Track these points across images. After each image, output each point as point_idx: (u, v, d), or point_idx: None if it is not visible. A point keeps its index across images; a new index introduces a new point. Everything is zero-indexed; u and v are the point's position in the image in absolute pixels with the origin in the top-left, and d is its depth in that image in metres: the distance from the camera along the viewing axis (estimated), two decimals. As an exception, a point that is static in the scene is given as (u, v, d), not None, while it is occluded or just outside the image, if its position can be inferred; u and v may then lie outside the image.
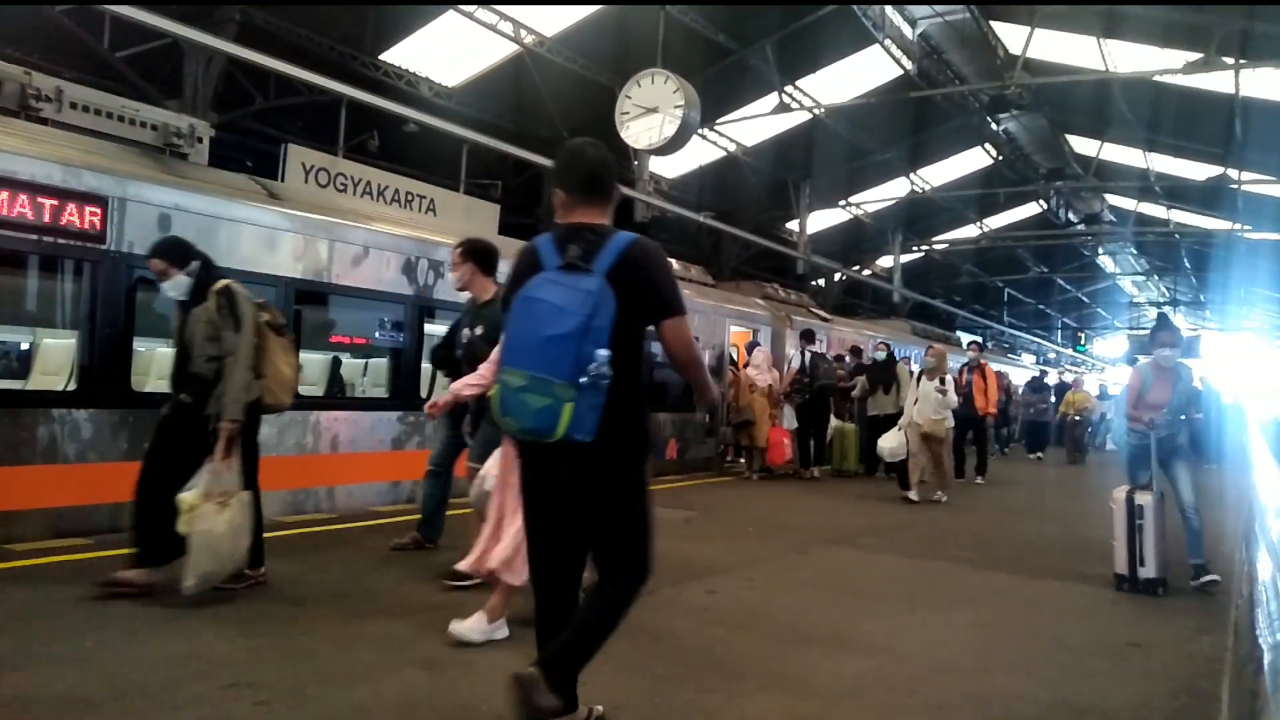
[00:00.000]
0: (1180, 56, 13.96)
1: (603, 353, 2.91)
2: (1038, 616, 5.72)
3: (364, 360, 9.90)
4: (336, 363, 9.19)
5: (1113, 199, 27.36)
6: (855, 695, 4.05)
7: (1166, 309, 39.61)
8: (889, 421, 12.72)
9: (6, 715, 3.34)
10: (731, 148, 19.99)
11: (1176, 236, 27.71)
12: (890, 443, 11.22)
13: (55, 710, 3.38)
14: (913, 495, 10.94)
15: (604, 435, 2.95)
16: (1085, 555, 7.45)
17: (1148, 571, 6.33)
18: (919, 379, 11.52)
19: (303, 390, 8.31)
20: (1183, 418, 6.76)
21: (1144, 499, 6.41)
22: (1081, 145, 22.32)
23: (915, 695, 4.09)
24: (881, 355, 13.72)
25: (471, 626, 4.45)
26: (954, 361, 21.00)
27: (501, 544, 4.35)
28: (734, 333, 14.86)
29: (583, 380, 2.89)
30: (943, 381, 11.23)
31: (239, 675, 3.82)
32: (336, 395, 9.14)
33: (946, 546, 8.01)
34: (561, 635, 3.12)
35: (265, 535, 5.41)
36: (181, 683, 3.70)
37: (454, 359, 6.11)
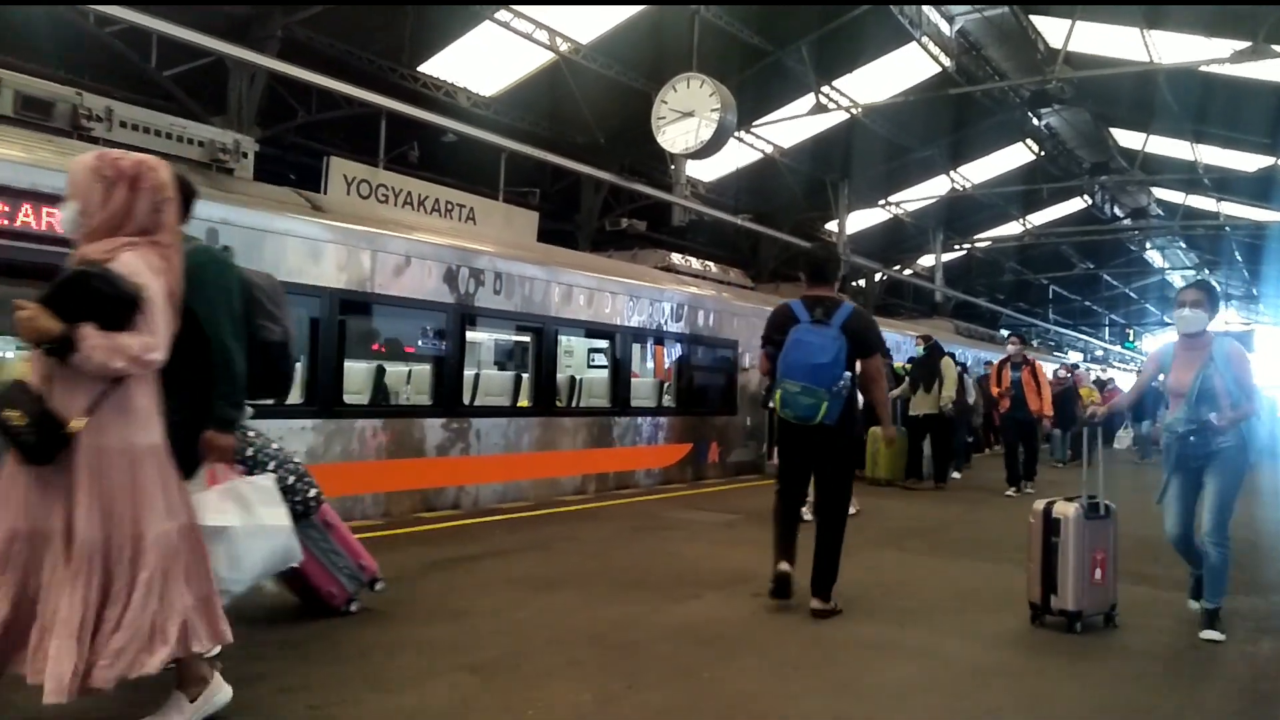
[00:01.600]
0: (1227, 45, 13.67)
1: (847, 374, 5.16)
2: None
3: (407, 368, 10.01)
4: (380, 371, 9.30)
5: (1160, 192, 26.84)
6: (904, 698, 4.01)
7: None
8: (930, 422, 12.30)
9: (66, 718, 3.42)
10: (769, 149, 19.94)
11: (1226, 229, 27.11)
12: None
13: (114, 715, 3.46)
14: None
15: (839, 421, 5.16)
16: (1136, 556, 7.30)
17: (1062, 601, 5.15)
18: None
19: (348, 399, 8.48)
20: (1211, 415, 5.04)
21: (1064, 511, 5.22)
22: (1126, 138, 21.92)
23: (965, 699, 4.03)
24: (921, 350, 12.81)
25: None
26: (989, 357, 20.74)
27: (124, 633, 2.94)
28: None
29: (833, 389, 5.09)
30: None
31: (291, 680, 3.88)
32: (380, 403, 9.25)
33: (993, 549, 7.89)
34: (817, 562, 5.34)
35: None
36: (236, 687, 3.75)
37: None
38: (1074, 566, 5.12)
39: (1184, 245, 33.35)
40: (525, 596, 5.51)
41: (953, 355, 14.01)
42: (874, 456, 12.56)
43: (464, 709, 3.68)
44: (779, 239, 20.14)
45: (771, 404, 5.36)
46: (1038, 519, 5.30)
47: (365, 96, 10.25)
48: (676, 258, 14.20)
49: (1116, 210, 27.09)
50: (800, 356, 5.14)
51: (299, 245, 7.90)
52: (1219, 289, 4.89)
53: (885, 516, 9.51)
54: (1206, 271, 37.03)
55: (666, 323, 12.43)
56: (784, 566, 5.40)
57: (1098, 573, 5.22)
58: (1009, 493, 11.96)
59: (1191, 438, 5.16)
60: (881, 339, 5.52)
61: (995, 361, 14.10)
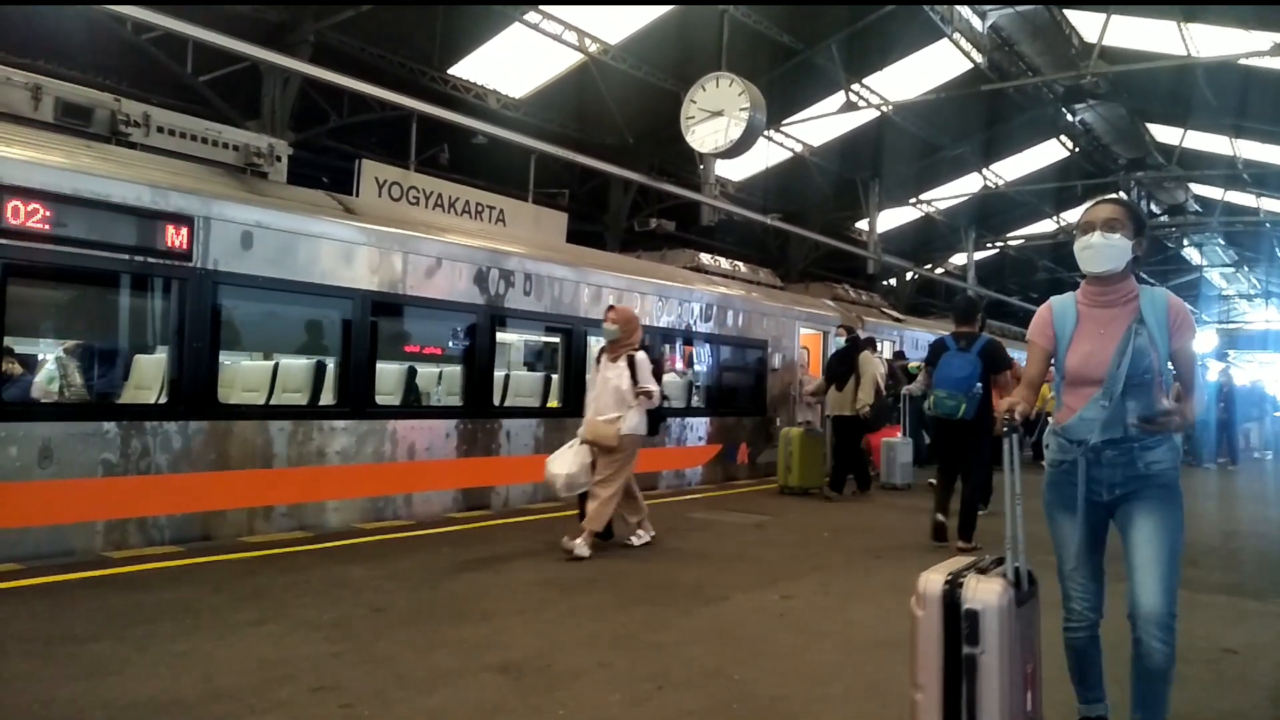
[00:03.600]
0: (1268, 38, 13.41)
1: (979, 385, 7.41)
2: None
3: (438, 369, 10.08)
4: (412, 372, 9.37)
5: (1198, 188, 26.41)
6: (935, 703, 3.98)
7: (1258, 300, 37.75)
8: (849, 424, 10.79)
9: (106, 717, 3.49)
10: (798, 148, 19.87)
11: (1267, 225, 26.63)
12: (563, 466, 6.95)
13: (151, 712, 3.52)
14: (579, 546, 6.72)
15: (976, 416, 7.36)
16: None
17: None
18: (599, 358, 7.47)
19: (379, 400, 8.55)
20: (1130, 419, 3.16)
21: (984, 598, 2.90)
22: (1163, 134, 21.59)
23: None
24: (842, 341, 11.59)
25: None
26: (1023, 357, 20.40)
27: None
28: (804, 335, 14.74)
29: (970, 394, 7.36)
30: (631, 364, 7.13)
31: (324, 679, 3.92)
32: (412, 404, 9.32)
33: (1027, 552, 7.79)
34: (961, 515, 7.56)
35: (346, 542, 5.52)
36: (270, 686, 3.82)
37: None
38: (1004, 697, 2.83)
39: (1222, 242, 32.75)
40: (554, 597, 5.53)
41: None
42: (787, 461, 11.04)
43: (494, 709, 3.70)
44: (808, 238, 20.04)
45: (928, 406, 7.81)
46: (931, 609, 2.95)
47: (396, 99, 10.34)
48: (705, 258, 14.18)
49: (1153, 207, 26.66)
50: (947, 373, 7.54)
51: (332, 248, 7.98)
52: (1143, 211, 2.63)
53: (913, 519, 9.41)
54: (1246, 269, 36.37)
55: (695, 323, 12.42)
56: (939, 517, 7.75)
57: (1029, 699, 2.98)
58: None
59: (1109, 452, 3.21)
60: (1008, 359, 7.80)
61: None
